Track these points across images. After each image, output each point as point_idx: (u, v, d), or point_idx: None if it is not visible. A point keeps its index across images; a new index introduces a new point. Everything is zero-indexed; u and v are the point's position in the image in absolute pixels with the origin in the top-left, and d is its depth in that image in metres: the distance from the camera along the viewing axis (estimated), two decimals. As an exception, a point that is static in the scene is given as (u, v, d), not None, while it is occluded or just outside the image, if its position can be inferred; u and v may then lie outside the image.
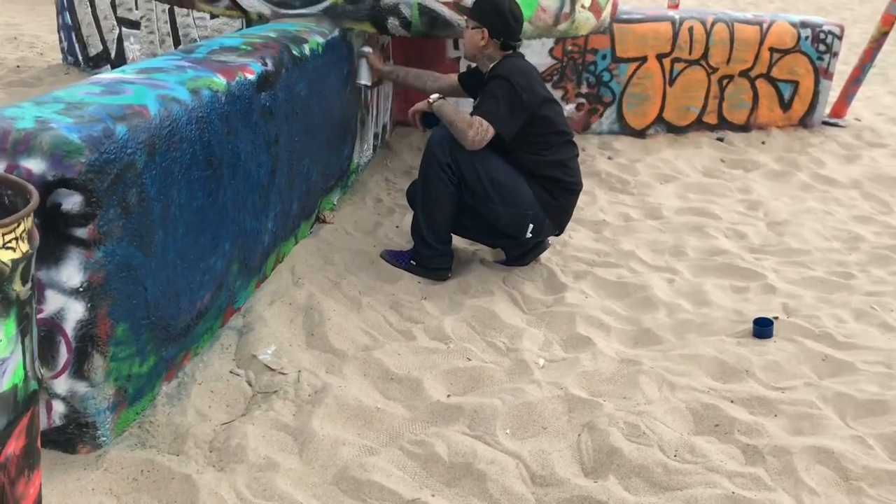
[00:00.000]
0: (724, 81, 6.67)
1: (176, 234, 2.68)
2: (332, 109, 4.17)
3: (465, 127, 3.70)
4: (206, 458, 2.55)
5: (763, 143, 6.66)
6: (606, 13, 5.25)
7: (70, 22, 7.30)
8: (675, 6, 9.09)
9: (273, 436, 2.69)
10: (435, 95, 3.92)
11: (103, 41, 7.07)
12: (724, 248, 4.61)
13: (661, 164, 6.03)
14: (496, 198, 3.82)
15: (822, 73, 6.92)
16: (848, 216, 5.29)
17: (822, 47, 6.86)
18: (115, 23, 6.89)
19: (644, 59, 6.40)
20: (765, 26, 6.67)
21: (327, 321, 3.36)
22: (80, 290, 2.29)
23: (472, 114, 3.74)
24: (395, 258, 4.01)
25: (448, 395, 3.02)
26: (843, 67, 8.19)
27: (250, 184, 3.22)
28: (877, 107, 8.17)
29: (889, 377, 3.27)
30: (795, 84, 6.88)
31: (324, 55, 3.94)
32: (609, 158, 6.03)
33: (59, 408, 2.41)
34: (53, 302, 2.29)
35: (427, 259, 3.94)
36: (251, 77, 3.17)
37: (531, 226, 3.90)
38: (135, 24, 6.81)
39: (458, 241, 4.19)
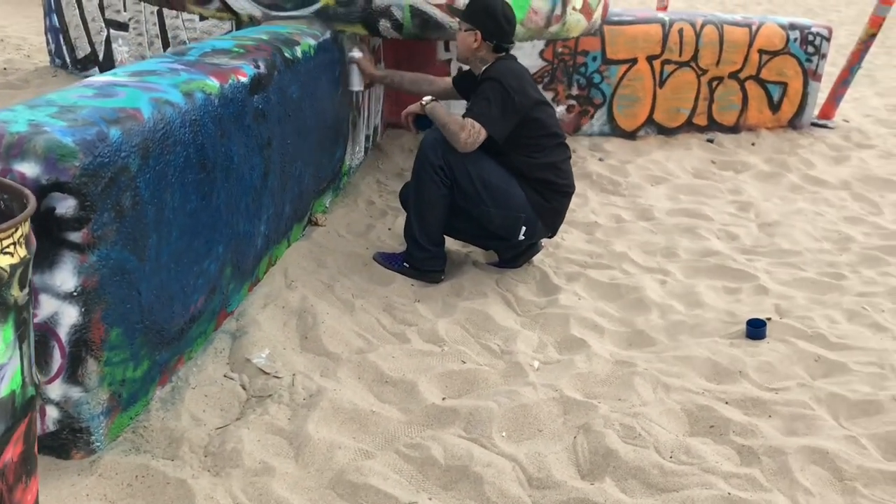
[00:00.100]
0: (714, 83, 6.69)
1: (170, 237, 2.67)
2: (323, 112, 4.16)
3: (458, 129, 3.70)
4: (201, 463, 2.54)
5: (753, 144, 6.69)
6: (597, 15, 5.26)
7: (57, 24, 7.24)
8: (664, 8, 9.12)
9: (268, 440, 2.67)
10: (428, 98, 3.91)
11: (91, 43, 7.02)
12: (716, 249, 4.63)
13: (651, 166, 6.04)
14: (488, 200, 3.82)
15: (810, 75, 6.97)
16: (838, 217, 5.32)
17: (810, 49, 6.90)
18: (103, 25, 6.84)
19: (634, 61, 6.42)
20: (754, 28, 6.71)
21: (321, 324, 3.35)
22: (74, 294, 2.28)
23: (464, 116, 3.74)
24: (388, 260, 4.01)
25: (443, 398, 3.02)
26: (830, 69, 8.24)
27: (243, 187, 3.21)
28: (865, 108, 8.22)
29: (881, 377, 3.29)
30: (784, 86, 6.92)
31: (315, 57, 3.93)
32: (600, 160, 6.04)
33: (52, 413, 2.39)
34: (47, 306, 2.28)
35: (420, 261, 3.94)
36: (244, 80, 3.16)
37: (524, 228, 3.90)
38: (123, 26, 6.76)
39: (450, 244, 4.18)
